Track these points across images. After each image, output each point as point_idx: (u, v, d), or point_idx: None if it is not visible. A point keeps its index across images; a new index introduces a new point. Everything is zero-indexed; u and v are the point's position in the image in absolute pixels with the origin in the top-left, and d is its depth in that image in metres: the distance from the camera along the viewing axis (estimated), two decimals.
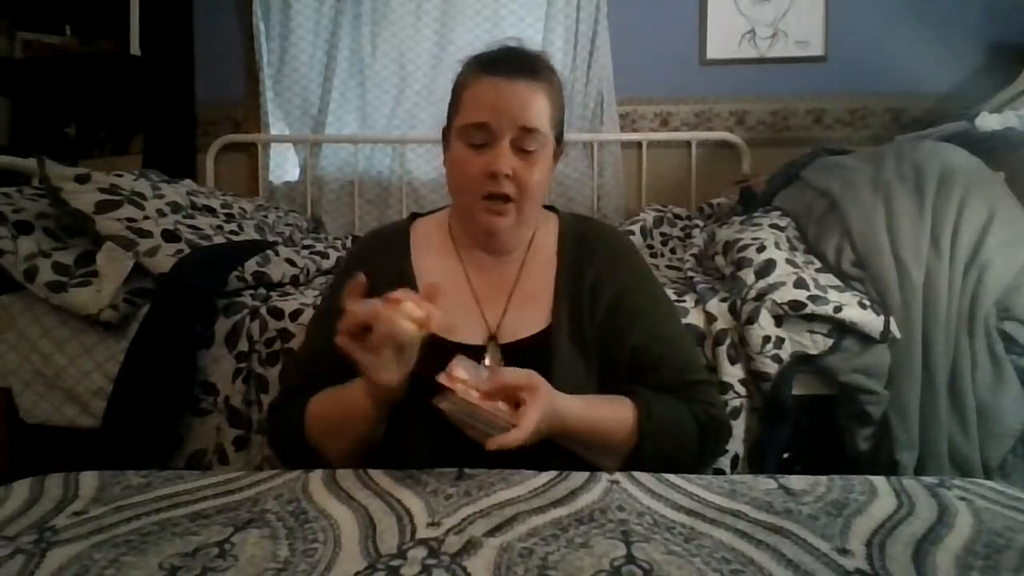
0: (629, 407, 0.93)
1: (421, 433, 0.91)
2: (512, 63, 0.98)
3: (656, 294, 1.08)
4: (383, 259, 1.05)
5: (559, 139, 1.03)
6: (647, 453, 0.92)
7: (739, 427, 1.34)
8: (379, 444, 0.93)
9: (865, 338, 1.35)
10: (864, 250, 1.44)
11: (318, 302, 1.35)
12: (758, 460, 1.34)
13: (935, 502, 0.73)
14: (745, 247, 1.49)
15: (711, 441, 1.00)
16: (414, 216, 1.14)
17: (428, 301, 0.81)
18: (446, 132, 1.04)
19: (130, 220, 1.47)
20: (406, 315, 0.79)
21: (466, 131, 0.96)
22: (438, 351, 0.85)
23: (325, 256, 1.87)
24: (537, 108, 0.96)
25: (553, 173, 1.05)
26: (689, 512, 0.71)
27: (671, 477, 0.80)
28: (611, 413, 0.93)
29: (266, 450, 1.36)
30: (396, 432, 0.93)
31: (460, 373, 0.80)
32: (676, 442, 0.95)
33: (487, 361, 0.96)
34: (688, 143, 2.58)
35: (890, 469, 1.33)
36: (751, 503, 0.73)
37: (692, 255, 1.85)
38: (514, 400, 0.81)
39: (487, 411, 0.78)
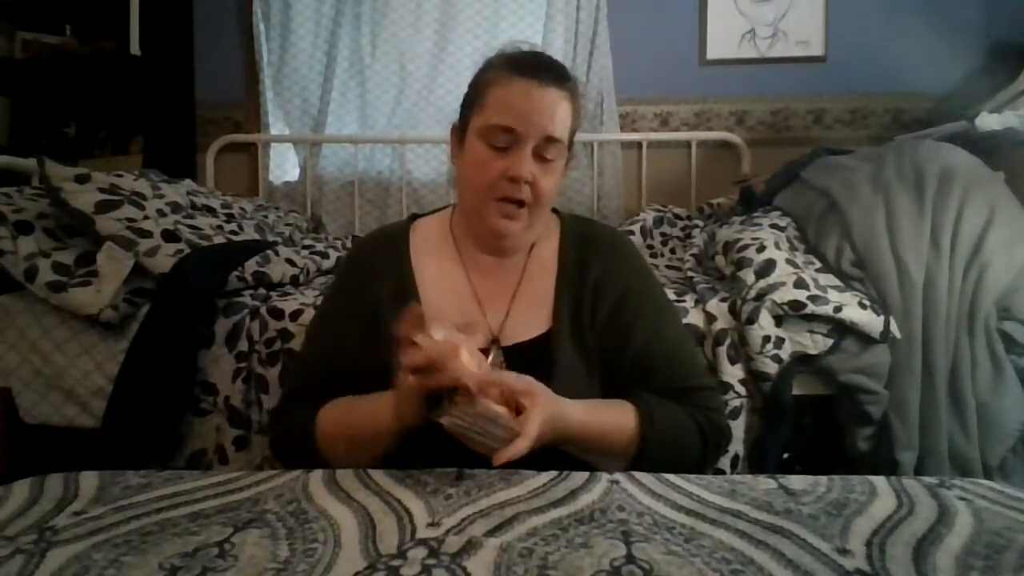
0: (631, 412, 0.93)
1: (421, 433, 0.91)
2: (544, 69, 0.96)
3: (658, 297, 1.08)
4: (382, 260, 1.04)
5: (570, 148, 1.02)
6: (649, 458, 0.91)
7: (739, 427, 1.34)
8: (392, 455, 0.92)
9: (865, 338, 1.35)
10: (864, 250, 1.44)
11: (318, 303, 1.35)
12: (758, 460, 1.34)
13: (935, 502, 0.73)
14: (745, 247, 1.49)
15: (712, 447, 1.00)
16: (414, 217, 1.14)
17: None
18: (459, 129, 1.02)
19: (130, 220, 1.47)
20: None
21: (490, 131, 0.95)
22: None
23: (325, 256, 1.87)
24: (562, 117, 0.96)
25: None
26: (689, 512, 0.71)
27: (671, 477, 0.80)
28: (614, 418, 0.93)
29: (266, 450, 1.36)
30: None
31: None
32: (678, 448, 0.95)
33: (492, 361, 0.96)
34: (688, 143, 2.58)
35: (890, 469, 1.32)
36: (751, 503, 0.73)
37: (692, 255, 1.85)
38: (513, 405, 0.81)
39: (489, 420, 0.78)
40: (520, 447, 0.76)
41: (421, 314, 0.80)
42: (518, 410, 0.80)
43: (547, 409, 0.82)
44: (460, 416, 0.78)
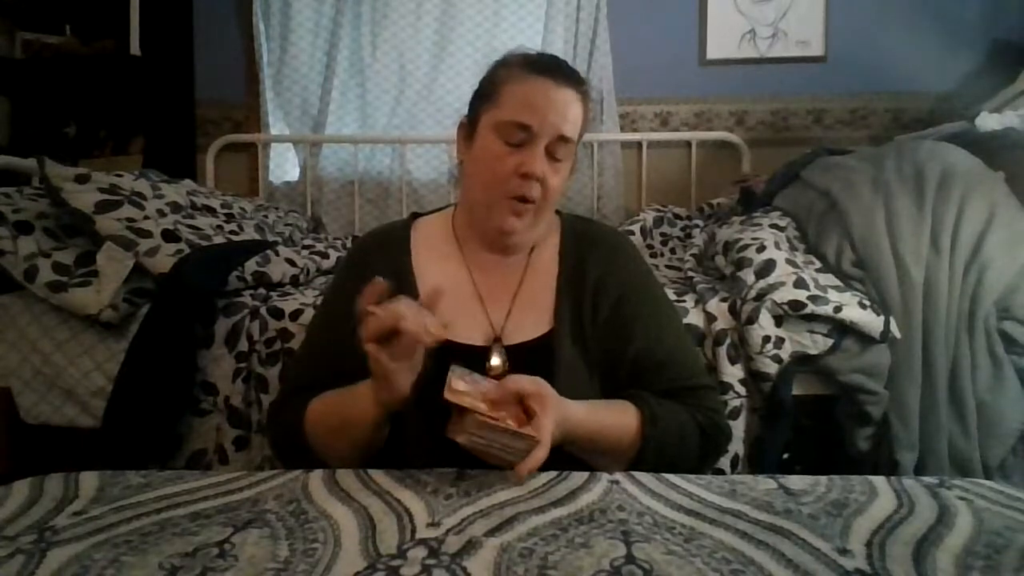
0: (633, 413, 0.93)
1: (421, 433, 0.91)
2: (561, 69, 0.98)
3: (658, 297, 1.08)
4: (382, 260, 1.04)
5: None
6: (650, 458, 0.91)
7: (739, 427, 1.34)
8: (380, 448, 0.93)
9: (865, 338, 1.35)
10: (864, 250, 1.44)
11: (318, 302, 1.34)
12: (758, 460, 1.34)
13: (935, 502, 0.73)
14: (745, 247, 1.49)
15: (712, 447, 1.00)
16: (415, 216, 1.14)
17: (430, 306, 0.81)
18: (468, 124, 1.02)
19: (130, 220, 1.47)
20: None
21: (505, 127, 0.95)
22: (439, 352, 0.85)
23: (325, 256, 1.86)
24: (574, 118, 0.97)
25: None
26: (689, 512, 0.71)
27: (671, 477, 0.80)
28: (616, 419, 0.93)
29: (266, 450, 1.36)
30: (396, 432, 0.93)
31: (461, 386, 0.79)
32: (679, 448, 0.95)
33: (496, 360, 0.96)
34: (688, 143, 2.58)
35: (890, 469, 1.32)
36: (751, 503, 0.73)
37: (692, 255, 1.85)
38: (521, 408, 0.81)
39: (506, 434, 0.77)
40: (539, 457, 0.76)
41: (381, 288, 0.79)
42: (526, 412, 0.80)
43: (556, 412, 0.82)
44: (477, 433, 0.77)
